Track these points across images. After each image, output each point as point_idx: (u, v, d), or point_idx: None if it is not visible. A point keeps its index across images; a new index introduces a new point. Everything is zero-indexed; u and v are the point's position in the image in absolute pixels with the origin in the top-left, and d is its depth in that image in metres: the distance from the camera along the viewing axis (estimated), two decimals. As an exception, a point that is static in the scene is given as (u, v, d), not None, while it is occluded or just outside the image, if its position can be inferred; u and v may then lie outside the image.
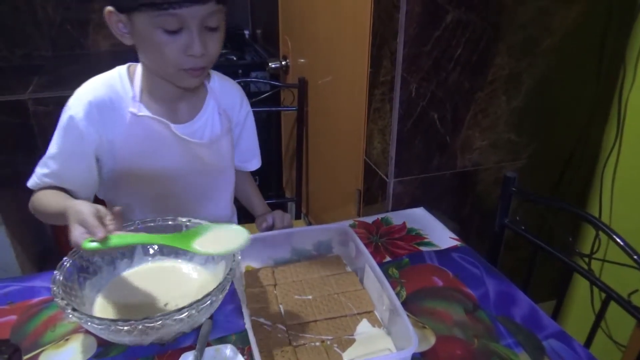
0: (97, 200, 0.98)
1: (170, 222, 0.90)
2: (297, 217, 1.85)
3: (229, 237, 0.76)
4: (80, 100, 0.87)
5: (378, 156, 1.28)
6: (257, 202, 1.18)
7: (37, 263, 2.07)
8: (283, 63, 1.92)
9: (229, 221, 1.12)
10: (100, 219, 0.71)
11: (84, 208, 0.72)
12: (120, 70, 0.92)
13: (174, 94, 0.92)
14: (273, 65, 1.92)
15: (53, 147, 0.88)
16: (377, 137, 1.27)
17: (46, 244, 2.23)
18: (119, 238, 0.71)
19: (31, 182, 0.90)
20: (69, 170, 0.89)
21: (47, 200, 0.87)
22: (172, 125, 0.92)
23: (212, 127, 0.99)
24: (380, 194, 1.30)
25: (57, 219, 0.83)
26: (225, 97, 1.02)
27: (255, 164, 1.14)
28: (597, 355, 0.80)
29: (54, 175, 0.88)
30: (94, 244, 0.69)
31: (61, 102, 1.65)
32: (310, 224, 1.92)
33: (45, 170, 0.88)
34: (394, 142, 1.20)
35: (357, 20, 1.29)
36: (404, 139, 1.19)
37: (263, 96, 1.92)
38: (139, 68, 0.92)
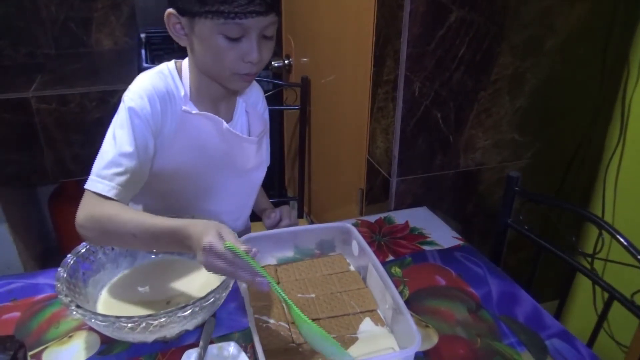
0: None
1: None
2: (300, 216, 1.85)
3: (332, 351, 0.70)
4: (140, 92, 0.85)
5: (381, 155, 1.28)
6: (261, 197, 1.20)
7: (39, 260, 2.07)
8: (286, 62, 1.92)
9: (245, 224, 1.14)
10: None
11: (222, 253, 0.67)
12: (169, 66, 0.92)
13: (219, 94, 0.94)
14: (276, 64, 1.92)
15: (125, 146, 0.81)
16: (380, 136, 1.27)
17: (49, 241, 2.24)
18: (263, 270, 0.68)
19: (106, 188, 0.79)
20: (145, 164, 0.86)
21: (135, 217, 0.76)
22: (224, 123, 0.94)
23: (242, 126, 1.02)
24: (383, 193, 1.30)
25: (141, 239, 0.75)
26: (250, 97, 1.05)
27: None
28: (599, 356, 0.80)
29: (129, 173, 0.81)
30: (241, 252, 0.66)
31: (64, 100, 1.67)
32: (312, 223, 1.92)
33: (118, 169, 0.80)
34: (397, 141, 1.19)
35: (360, 19, 1.29)
36: (407, 138, 1.19)
37: (265, 95, 1.92)
38: (185, 66, 0.92)
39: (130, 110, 0.83)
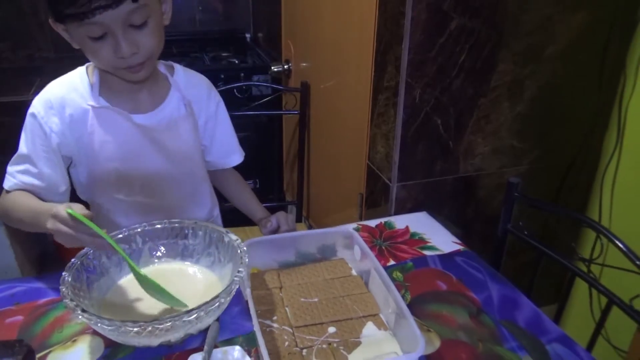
0: (78, 201, 1.01)
1: (158, 226, 0.91)
2: (298, 220, 1.85)
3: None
4: (40, 100, 0.92)
5: (381, 160, 1.29)
6: (255, 206, 1.17)
7: (36, 264, 2.07)
8: (285, 67, 1.93)
9: (209, 214, 1.13)
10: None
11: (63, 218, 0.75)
12: (80, 69, 0.95)
13: (131, 86, 0.94)
14: (275, 69, 1.93)
15: (22, 147, 0.92)
16: (380, 141, 1.28)
17: (45, 245, 2.23)
18: (100, 231, 0.75)
19: (7, 183, 0.92)
20: (42, 167, 0.92)
21: (23, 202, 0.89)
22: (130, 115, 0.94)
23: (178, 117, 1.00)
24: (383, 198, 1.31)
25: (27, 222, 0.86)
26: (191, 89, 1.03)
27: (236, 159, 1.14)
28: (598, 360, 0.81)
29: (29, 173, 0.91)
30: (79, 215, 0.73)
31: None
32: (311, 227, 1.92)
33: (20, 168, 0.92)
34: (397, 146, 1.21)
35: (361, 25, 1.30)
36: (408, 144, 1.20)
37: (265, 100, 1.93)
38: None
39: (29, 115, 0.91)
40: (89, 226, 0.73)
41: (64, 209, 0.74)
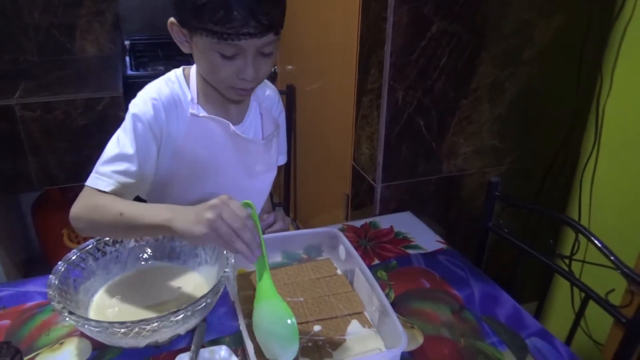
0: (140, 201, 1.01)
1: None
2: (285, 221, 1.87)
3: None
4: (145, 98, 0.90)
5: (366, 161, 1.31)
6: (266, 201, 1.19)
7: (22, 268, 2.05)
8: (271, 69, 1.94)
9: None
10: None
11: (238, 207, 0.71)
12: (177, 73, 0.96)
13: (225, 98, 0.96)
14: (261, 72, 1.94)
15: (127, 147, 0.86)
16: (364, 143, 1.30)
17: (31, 249, 2.21)
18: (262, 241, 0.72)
19: (104, 184, 0.83)
20: (145, 166, 0.89)
21: (134, 208, 0.79)
22: (231, 125, 0.96)
23: (255, 128, 1.04)
24: (368, 198, 1.33)
25: (137, 231, 0.81)
26: (265, 98, 1.07)
27: (281, 159, 1.18)
28: (576, 353, 0.84)
29: (128, 173, 0.86)
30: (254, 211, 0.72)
31: (48, 108, 1.67)
32: (298, 228, 1.94)
33: (117, 168, 0.85)
34: (381, 148, 1.23)
35: (345, 29, 1.32)
36: (391, 145, 1.22)
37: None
38: (192, 71, 0.95)
39: (134, 117, 0.88)
40: (257, 229, 0.72)
41: (253, 260, 0.72)
